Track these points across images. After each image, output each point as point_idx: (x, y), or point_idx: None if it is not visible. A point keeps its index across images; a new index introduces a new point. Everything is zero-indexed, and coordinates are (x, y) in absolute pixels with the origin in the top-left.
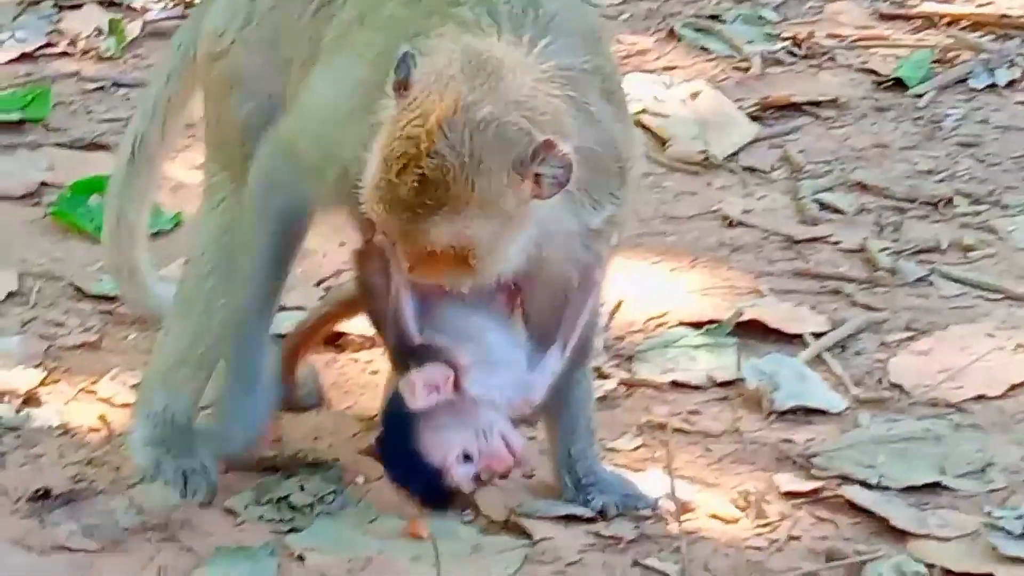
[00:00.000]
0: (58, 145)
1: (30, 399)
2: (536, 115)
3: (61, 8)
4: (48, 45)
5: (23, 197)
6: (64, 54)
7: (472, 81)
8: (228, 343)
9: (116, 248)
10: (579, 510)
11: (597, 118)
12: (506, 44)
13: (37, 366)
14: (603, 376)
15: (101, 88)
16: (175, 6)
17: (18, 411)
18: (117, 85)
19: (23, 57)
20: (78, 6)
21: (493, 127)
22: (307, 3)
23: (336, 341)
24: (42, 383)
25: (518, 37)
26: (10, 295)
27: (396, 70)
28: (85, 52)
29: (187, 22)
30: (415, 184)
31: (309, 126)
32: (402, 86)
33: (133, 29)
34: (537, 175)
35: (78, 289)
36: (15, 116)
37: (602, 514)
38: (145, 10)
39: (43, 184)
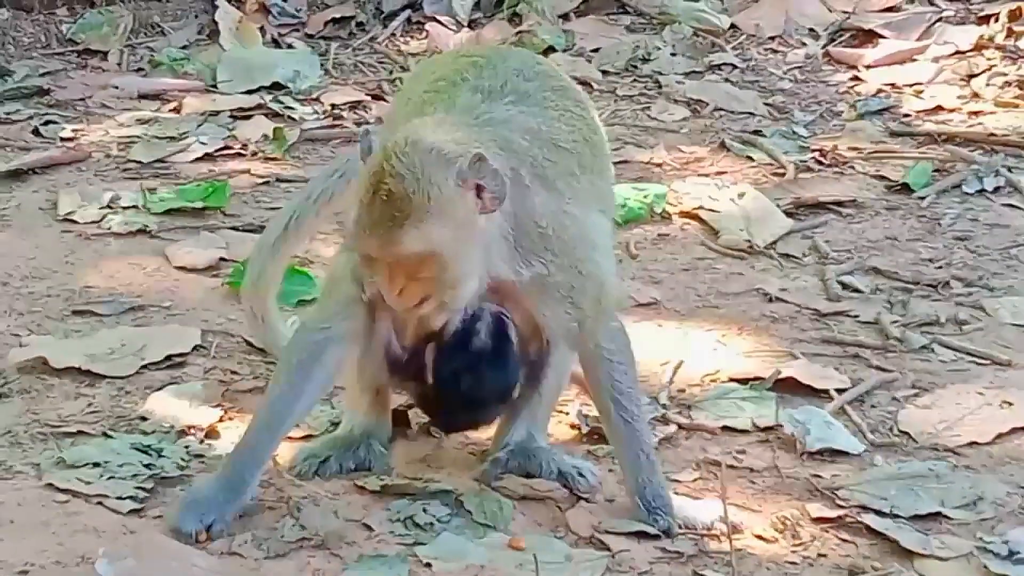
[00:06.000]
0: (233, 228)
1: (211, 432)
2: (470, 144)
3: (235, 118)
4: (225, 147)
5: (205, 269)
6: (238, 155)
7: (417, 129)
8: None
9: (254, 295)
10: (649, 528)
11: (527, 184)
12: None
13: (216, 406)
14: (668, 422)
15: (267, 183)
16: (326, 118)
17: (201, 442)
18: (280, 180)
19: (205, 157)
20: (249, 116)
21: (436, 151)
22: (404, 105)
23: None
24: (220, 420)
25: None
26: (195, 348)
27: (360, 143)
28: (254, 154)
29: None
30: (384, 199)
31: None
32: (366, 154)
33: (292, 135)
34: (480, 188)
35: (249, 344)
36: (199, 204)
37: (667, 532)
38: (302, 120)
39: (221, 259)
